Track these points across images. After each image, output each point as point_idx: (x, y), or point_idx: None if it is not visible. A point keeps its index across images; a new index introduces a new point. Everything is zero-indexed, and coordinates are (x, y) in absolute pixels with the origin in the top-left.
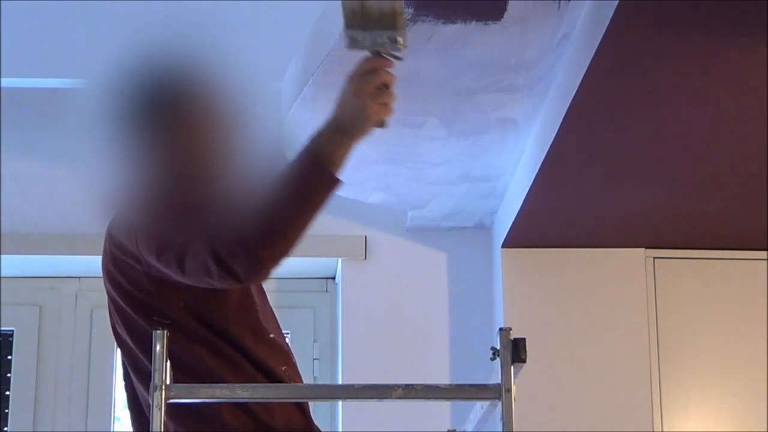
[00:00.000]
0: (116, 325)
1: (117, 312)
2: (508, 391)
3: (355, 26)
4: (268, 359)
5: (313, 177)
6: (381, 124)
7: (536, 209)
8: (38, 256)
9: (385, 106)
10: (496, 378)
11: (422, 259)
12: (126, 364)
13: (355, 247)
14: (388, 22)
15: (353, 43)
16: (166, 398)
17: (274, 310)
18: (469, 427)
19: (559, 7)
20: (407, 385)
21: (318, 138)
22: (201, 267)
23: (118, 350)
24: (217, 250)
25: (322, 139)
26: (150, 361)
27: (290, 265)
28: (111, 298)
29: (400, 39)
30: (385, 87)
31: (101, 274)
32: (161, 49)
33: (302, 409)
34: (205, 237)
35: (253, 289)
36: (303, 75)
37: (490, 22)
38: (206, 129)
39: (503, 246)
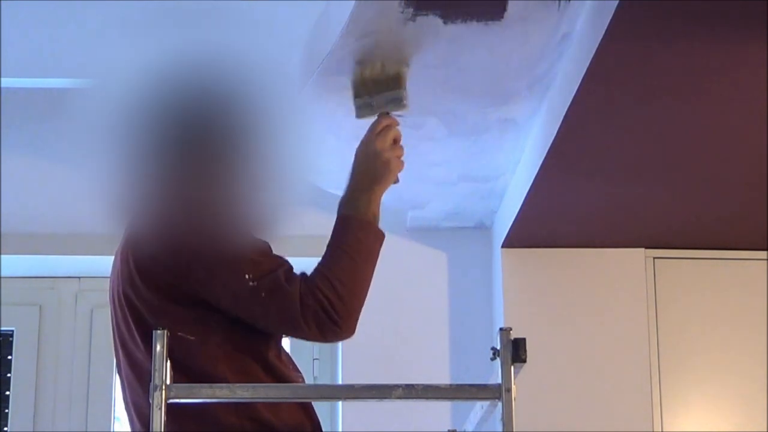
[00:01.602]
0: (129, 330)
1: (135, 315)
2: (508, 391)
3: (363, 94)
4: (285, 369)
5: (372, 239)
6: (396, 180)
7: (536, 209)
8: (38, 256)
9: (399, 159)
10: (496, 378)
11: (422, 259)
12: (135, 369)
13: None
14: (394, 85)
15: (363, 111)
16: (166, 398)
17: None
18: (469, 427)
19: (559, 7)
20: (407, 385)
21: (357, 203)
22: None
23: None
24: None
25: (361, 203)
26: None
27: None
28: (130, 300)
29: (404, 99)
30: (395, 142)
31: (109, 282)
32: (183, 54)
33: (309, 415)
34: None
35: None
36: (303, 75)
37: (490, 22)
38: (243, 145)
39: (503, 246)
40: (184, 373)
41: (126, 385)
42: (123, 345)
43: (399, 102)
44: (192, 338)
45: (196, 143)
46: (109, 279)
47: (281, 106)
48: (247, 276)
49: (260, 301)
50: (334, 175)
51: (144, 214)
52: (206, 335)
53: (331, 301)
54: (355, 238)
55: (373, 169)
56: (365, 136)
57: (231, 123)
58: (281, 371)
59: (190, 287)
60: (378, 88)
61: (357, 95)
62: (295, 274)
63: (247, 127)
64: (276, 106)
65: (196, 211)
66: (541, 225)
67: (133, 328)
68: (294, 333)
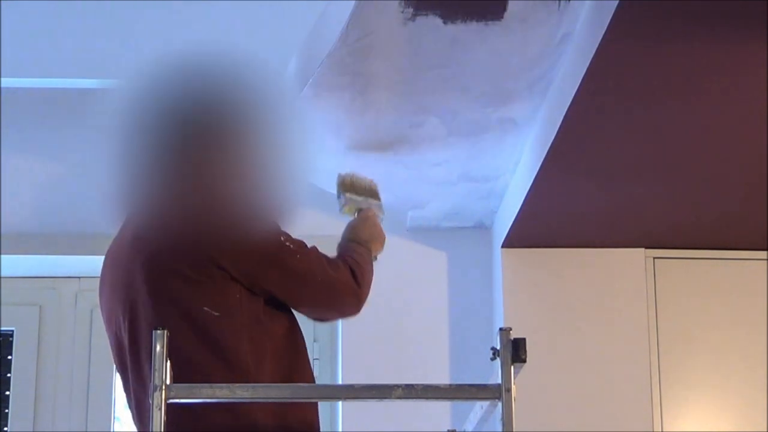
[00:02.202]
0: (145, 321)
1: (171, 304)
2: (508, 391)
3: (349, 191)
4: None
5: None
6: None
7: (536, 209)
8: (38, 256)
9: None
10: (496, 378)
11: (422, 259)
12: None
13: None
14: (373, 194)
15: (348, 203)
16: (166, 398)
17: None
18: (469, 427)
19: (559, 7)
20: (407, 385)
21: (360, 241)
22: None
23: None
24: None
25: (363, 241)
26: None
27: None
28: (151, 284)
29: (383, 209)
30: None
31: (112, 274)
32: (191, 54)
33: (318, 413)
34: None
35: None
36: (303, 74)
37: (490, 22)
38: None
39: (503, 246)
40: (208, 347)
41: (136, 379)
42: (134, 337)
43: (380, 209)
44: (216, 314)
45: (197, 140)
46: (109, 273)
47: (283, 105)
48: (282, 238)
49: (296, 262)
50: (333, 174)
51: (159, 205)
52: (231, 312)
53: (360, 265)
54: (364, 248)
55: (373, 232)
56: (364, 212)
57: (232, 120)
58: (303, 354)
59: (231, 265)
60: (359, 191)
61: (344, 191)
62: None
63: (248, 125)
64: (277, 105)
65: (220, 197)
66: (541, 225)
67: (151, 312)
68: (325, 294)
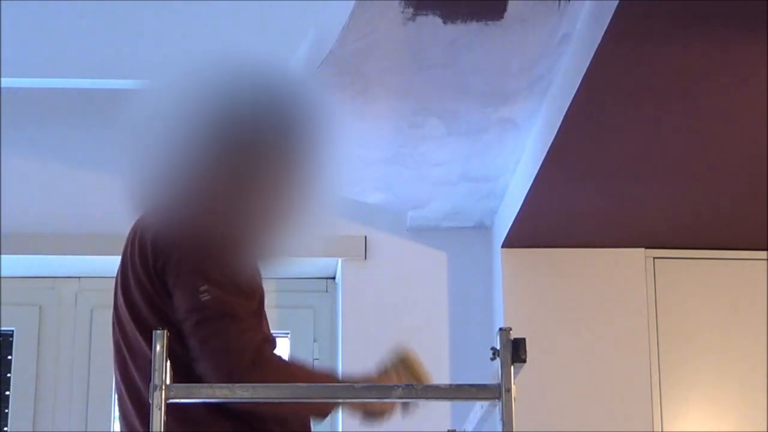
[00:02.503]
0: (125, 320)
1: (129, 306)
2: (508, 391)
3: (399, 365)
4: None
5: (322, 411)
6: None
7: (536, 209)
8: (38, 256)
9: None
10: (496, 378)
11: (422, 259)
12: (128, 359)
13: (355, 247)
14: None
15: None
16: (166, 398)
17: (275, 310)
18: (469, 427)
19: (559, 7)
20: (407, 385)
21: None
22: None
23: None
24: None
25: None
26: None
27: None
28: (128, 290)
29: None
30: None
31: (115, 272)
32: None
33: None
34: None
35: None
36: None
37: (490, 22)
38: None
39: (503, 246)
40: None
41: (120, 374)
42: (124, 336)
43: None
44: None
45: (203, 147)
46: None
47: (305, 111)
48: (202, 288)
49: (202, 294)
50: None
51: (151, 209)
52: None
53: (284, 364)
54: (337, 378)
55: (383, 414)
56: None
57: (255, 129)
58: None
59: (166, 278)
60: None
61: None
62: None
63: (274, 131)
64: (302, 112)
65: (203, 214)
66: (541, 225)
67: (128, 315)
68: (208, 341)
